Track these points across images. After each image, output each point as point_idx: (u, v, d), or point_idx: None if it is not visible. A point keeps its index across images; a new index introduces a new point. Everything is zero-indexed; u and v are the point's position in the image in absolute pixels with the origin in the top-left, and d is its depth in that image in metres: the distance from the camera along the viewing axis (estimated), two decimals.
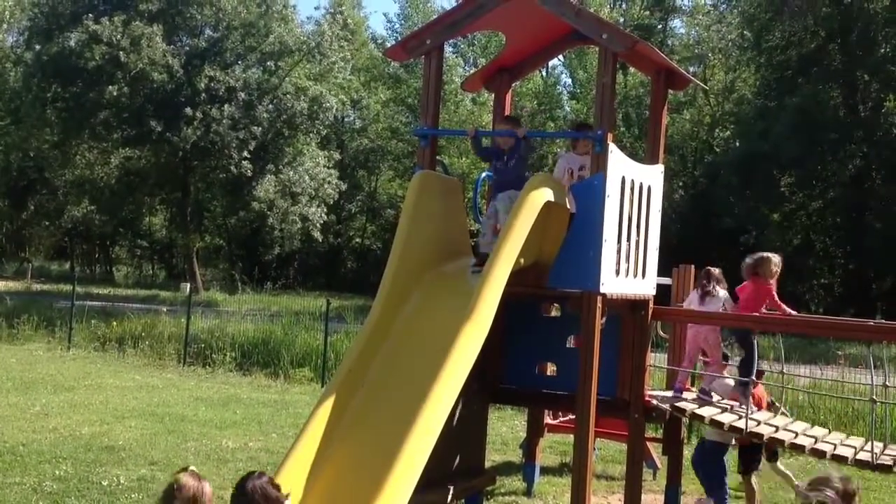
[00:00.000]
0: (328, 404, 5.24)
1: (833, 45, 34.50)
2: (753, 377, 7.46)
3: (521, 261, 6.00)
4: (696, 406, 7.55)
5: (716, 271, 7.96)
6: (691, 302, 8.02)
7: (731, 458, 8.48)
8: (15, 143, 41.40)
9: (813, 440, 7.15)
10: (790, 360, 8.58)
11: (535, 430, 8.96)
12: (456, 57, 47.89)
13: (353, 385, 5.45)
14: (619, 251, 6.54)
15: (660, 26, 46.04)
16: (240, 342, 17.84)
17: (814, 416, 11.76)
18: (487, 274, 5.54)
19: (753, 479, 8.35)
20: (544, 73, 47.38)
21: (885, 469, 6.92)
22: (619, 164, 6.47)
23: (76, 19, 35.58)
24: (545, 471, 9.40)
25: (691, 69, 40.45)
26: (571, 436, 6.87)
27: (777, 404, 8.27)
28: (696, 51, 43.32)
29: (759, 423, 7.33)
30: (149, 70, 34.57)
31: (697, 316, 8.04)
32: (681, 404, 7.43)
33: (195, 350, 17.64)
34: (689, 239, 32.54)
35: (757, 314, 7.75)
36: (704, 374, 8.00)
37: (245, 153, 35.95)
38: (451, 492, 6.71)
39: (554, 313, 8.08)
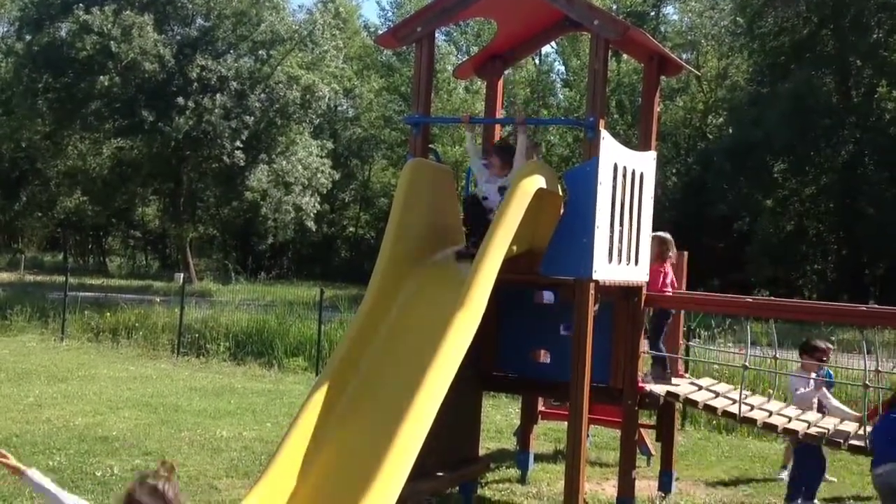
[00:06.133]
0: (321, 393, 5.24)
1: (826, 31, 34.47)
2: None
3: (514, 248, 5.99)
4: (692, 391, 7.58)
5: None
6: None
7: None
8: (6, 134, 41.14)
9: (806, 424, 7.18)
10: (783, 346, 8.57)
11: (530, 418, 8.96)
12: (448, 45, 47.73)
13: (346, 374, 5.44)
14: (611, 238, 6.54)
15: (652, 13, 45.89)
16: (234, 332, 17.82)
17: None
18: (480, 261, 5.53)
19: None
20: (537, 61, 47.29)
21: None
22: (611, 151, 6.46)
23: (67, 9, 35.33)
24: (539, 458, 9.40)
25: (684, 56, 40.39)
26: (565, 423, 6.87)
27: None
28: (689, 37, 43.24)
29: (752, 407, 7.35)
30: (140, 60, 34.35)
31: (691, 302, 8.05)
32: (675, 390, 7.45)
33: (189, 340, 17.60)
34: (683, 226, 32.53)
35: (750, 299, 7.77)
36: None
37: (238, 143, 35.81)
38: (445, 480, 6.72)
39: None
